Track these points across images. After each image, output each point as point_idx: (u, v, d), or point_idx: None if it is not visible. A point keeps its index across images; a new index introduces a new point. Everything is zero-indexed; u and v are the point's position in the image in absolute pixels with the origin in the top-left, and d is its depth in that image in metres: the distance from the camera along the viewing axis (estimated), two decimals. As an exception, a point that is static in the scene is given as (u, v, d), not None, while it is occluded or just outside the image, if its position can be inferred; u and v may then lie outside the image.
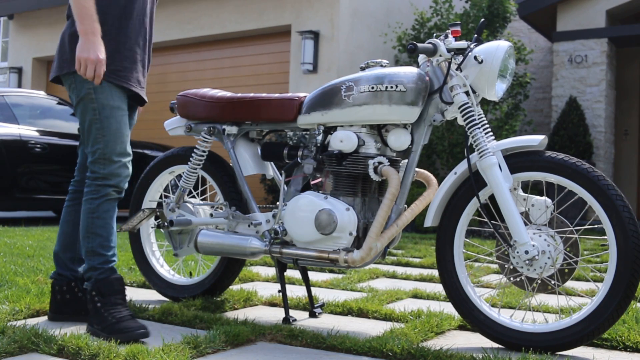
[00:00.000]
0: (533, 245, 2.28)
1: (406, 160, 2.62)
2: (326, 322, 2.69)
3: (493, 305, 2.60)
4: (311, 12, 9.05)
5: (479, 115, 2.44)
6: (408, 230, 7.43)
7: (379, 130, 2.60)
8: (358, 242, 2.53)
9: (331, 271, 4.07)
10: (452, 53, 2.44)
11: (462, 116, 2.42)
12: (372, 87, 2.49)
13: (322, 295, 3.26)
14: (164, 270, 3.16)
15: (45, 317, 2.63)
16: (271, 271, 4.09)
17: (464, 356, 2.12)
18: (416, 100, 2.45)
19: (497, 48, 2.41)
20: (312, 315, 2.80)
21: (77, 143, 8.04)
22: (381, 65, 2.60)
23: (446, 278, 2.45)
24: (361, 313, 2.84)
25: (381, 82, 2.48)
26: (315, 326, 2.58)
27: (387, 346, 2.18)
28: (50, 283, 3.20)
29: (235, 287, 3.34)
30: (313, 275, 3.89)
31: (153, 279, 3.14)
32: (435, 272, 4.05)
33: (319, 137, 2.65)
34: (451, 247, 2.45)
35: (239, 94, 2.89)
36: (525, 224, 2.33)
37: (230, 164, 2.98)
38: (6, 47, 13.71)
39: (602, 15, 9.38)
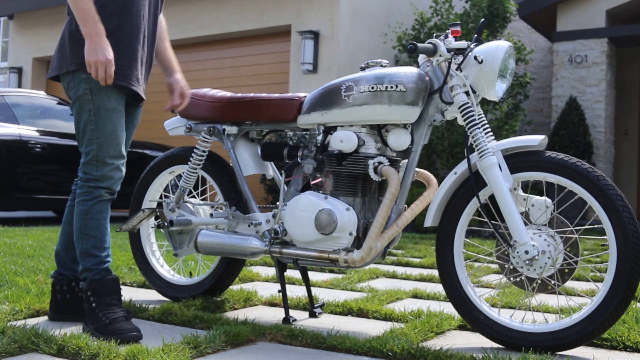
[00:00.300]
0: (533, 245, 2.28)
1: (406, 160, 2.62)
2: (326, 322, 2.69)
3: (493, 305, 2.60)
4: (311, 12, 9.05)
5: (479, 115, 2.44)
6: (408, 230, 7.42)
7: (379, 130, 2.60)
8: (358, 242, 2.53)
9: (331, 271, 4.07)
10: (452, 53, 2.44)
11: (462, 116, 2.42)
12: (372, 87, 2.49)
13: (322, 295, 3.26)
14: (164, 270, 3.16)
15: (45, 317, 2.63)
16: (271, 271, 4.09)
17: (464, 356, 2.12)
18: (416, 100, 2.45)
19: (497, 48, 2.41)
20: (312, 315, 2.80)
21: (76, 143, 8.05)
22: (381, 65, 2.60)
23: (446, 278, 2.45)
24: (361, 313, 2.84)
25: (381, 82, 2.48)
26: (315, 326, 2.58)
27: (387, 346, 2.18)
28: (50, 282, 3.21)
29: (235, 287, 3.34)
30: (313, 275, 3.89)
31: (153, 279, 3.14)
32: (435, 272, 4.05)
33: (319, 137, 2.65)
34: (451, 247, 2.45)
35: (239, 94, 2.89)
36: (525, 224, 2.33)
37: (230, 164, 2.98)
38: (6, 47, 13.71)
39: (602, 15, 9.38)
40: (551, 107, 9.69)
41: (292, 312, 2.83)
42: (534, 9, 9.61)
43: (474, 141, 2.39)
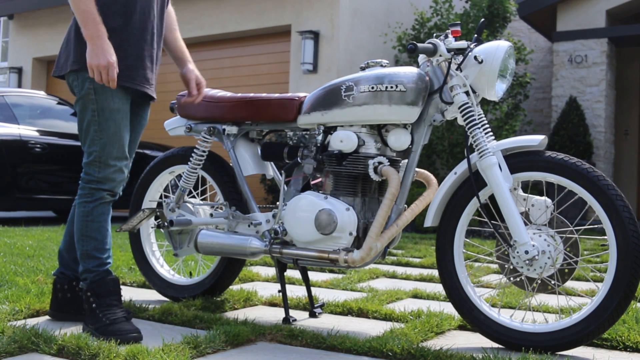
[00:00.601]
0: (533, 245, 2.28)
1: (406, 160, 2.62)
2: (326, 322, 2.69)
3: (493, 305, 2.60)
4: (311, 12, 9.05)
5: (479, 115, 2.44)
6: (408, 230, 7.42)
7: (379, 130, 2.60)
8: (358, 242, 2.53)
9: (331, 271, 4.07)
10: (452, 53, 2.44)
11: (462, 116, 2.42)
12: (372, 87, 2.49)
13: (322, 295, 3.26)
14: (164, 270, 3.16)
15: (46, 317, 2.63)
16: (271, 271, 4.09)
17: (464, 356, 2.12)
18: (416, 100, 2.45)
19: (497, 48, 2.41)
20: (312, 315, 2.80)
21: (77, 143, 8.06)
22: (381, 65, 2.60)
23: (446, 278, 2.45)
24: (361, 313, 2.84)
25: (381, 82, 2.48)
26: (315, 326, 2.58)
27: (387, 346, 2.18)
28: (51, 282, 3.21)
29: (235, 287, 3.34)
30: (313, 275, 3.89)
31: (153, 279, 3.14)
32: (435, 272, 4.05)
33: (319, 137, 2.65)
34: (451, 247, 2.45)
35: (239, 94, 2.89)
36: (525, 224, 2.33)
37: (230, 164, 2.98)
38: (6, 47, 13.71)
39: (602, 15, 9.38)
40: (551, 107, 9.69)
41: (292, 312, 2.83)
42: (534, 9, 9.61)
43: (474, 141, 2.39)
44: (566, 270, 2.33)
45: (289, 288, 3.43)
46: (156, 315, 2.65)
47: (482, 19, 2.58)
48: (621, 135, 10.44)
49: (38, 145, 6.98)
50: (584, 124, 8.97)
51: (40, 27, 12.00)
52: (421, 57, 2.55)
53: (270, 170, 3.00)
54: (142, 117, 2.65)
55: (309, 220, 2.54)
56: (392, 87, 2.46)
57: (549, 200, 2.33)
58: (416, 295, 3.32)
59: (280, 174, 2.77)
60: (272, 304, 3.04)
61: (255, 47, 9.82)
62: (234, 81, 9.75)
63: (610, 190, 2.22)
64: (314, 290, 3.39)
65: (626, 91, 10.47)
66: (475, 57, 2.39)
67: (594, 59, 9.29)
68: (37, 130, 7.13)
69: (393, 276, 4.02)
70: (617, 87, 10.15)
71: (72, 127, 7.53)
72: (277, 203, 2.72)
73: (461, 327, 2.64)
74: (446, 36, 2.48)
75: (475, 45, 2.46)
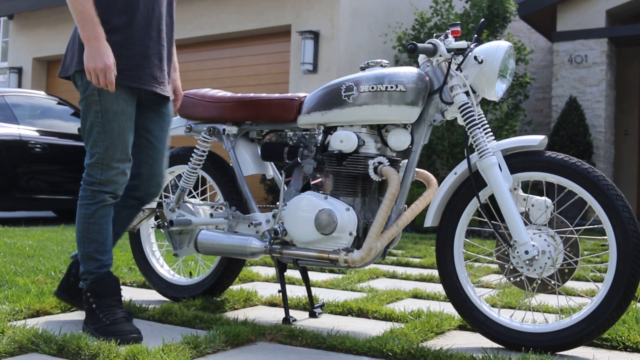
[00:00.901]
0: (533, 246, 2.28)
1: (406, 160, 2.62)
2: (326, 322, 2.69)
3: (493, 306, 2.60)
4: (311, 12, 9.05)
5: (479, 115, 2.44)
6: (408, 230, 7.42)
7: (379, 131, 2.60)
8: (358, 242, 2.53)
9: (331, 271, 4.07)
10: (452, 53, 2.44)
11: (462, 116, 2.42)
12: (372, 87, 2.49)
13: (322, 295, 3.26)
14: (164, 270, 3.16)
15: (46, 317, 2.63)
16: (271, 271, 4.09)
17: (464, 356, 2.12)
18: (416, 100, 2.45)
19: (497, 48, 2.41)
20: (312, 315, 2.80)
21: (77, 143, 8.04)
22: (381, 66, 2.60)
23: (446, 278, 2.45)
24: (361, 313, 2.84)
25: (381, 82, 2.48)
26: (315, 326, 2.58)
27: (387, 346, 2.18)
28: (52, 282, 3.21)
29: (235, 287, 3.34)
30: (313, 275, 3.89)
31: (153, 279, 3.14)
32: (435, 272, 4.05)
33: (319, 137, 2.65)
34: (451, 247, 2.45)
35: (239, 94, 2.89)
36: (525, 224, 2.33)
37: (230, 164, 2.98)
38: (6, 47, 13.71)
39: (602, 15, 9.38)
40: (551, 107, 9.69)
41: (292, 312, 2.83)
42: (534, 9, 9.61)
43: (474, 141, 2.39)
44: (566, 271, 2.33)
45: (289, 288, 3.43)
46: (156, 315, 2.65)
47: (482, 19, 2.58)
48: (621, 135, 10.44)
49: (38, 145, 6.98)
50: (584, 124, 8.97)
51: (40, 27, 12.00)
52: (421, 57, 2.55)
53: (270, 170, 3.00)
54: (165, 113, 2.59)
55: (309, 220, 2.54)
56: (392, 87, 2.46)
57: (549, 201, 2.33)
58: (416, 296, 3.32)
59: (280, 174, 2.77)
60: (272, 304, 3.04)
61: (255, 47, 9.82)
62: (234, 81, 9.75)
63: (610, 190, 2.22)
64: (314, 290, 3.39)
65: (626, 91, 10.47)
66: (475, 57, 2.39)
67: (594, 59, 9.29)
68: (37, 130, 7.13)
69: (393, 276, 4.02)
70: (617, 87, 10.15)
71: (72, 127, 7.53)
72: (277, 203, 2.72)
73: (461, 327, 2.64)
74: (446, 36, 2.48)
75: (475, 46, 2.46)
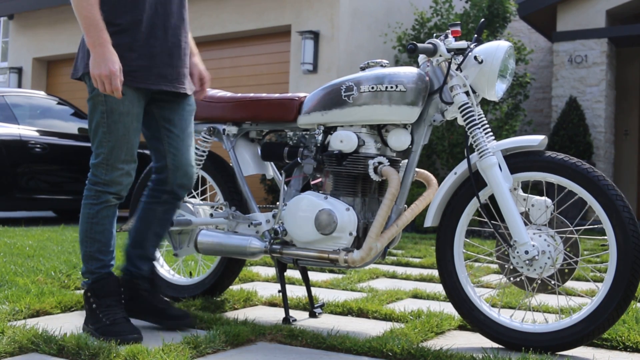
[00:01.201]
0: (533, 245, 2.28)
1: (406, 160, 2.62)
2: (326, 322, 2.69)
3: (493, 305, 2.60)
4: (311, 12, 9.05)
5: (479, 115, 2.44)
6: (408, 230, 7.42)
7: (379, 131, 2.60)
8: (358, 242, 2.53)
9: (331, 271, 4.07)
10: (452, 53, 2.44)
11: (462, 116, 2.42)
12: (372, 87, 2.49)
13: (322, 295, 3.26)
14: (164, 270, 3.16)
15: (46, 317, 2.62)
16: (271, 271, 4.09)
17: (464, 356, 2.12)
18: (416, 100, 2.45)
19: (497, 48, 2.41)
20: (312, 315, 2.80)
21: (77, 143, 8.03)
22: (381, 66, 2.60)
23: (446, 278, 2.45)
24: (361, 313, 2.84)
25: (381, 82, 2.48)
26: (315, 326, 2.58)
27: (387, 346, 2.18)
28: (52, 282, 3.20)
29: (235, 287, 3.34)
30: (313, 275, 3.89)
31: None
32: (435, 272, 4.05)
33: (319, 137, 2.65)
34: (451, 247, 2.45)
35: (239, 94, 2.89)
36: (525, 224, 2.33)
37: (230, 164, 2.98)
38: (6, 47, 13.71)
39: (602, 15, 9.38)
40: (551, 107, 9.69)
41: (292, 312, 2.83)
42: (534, 9, 9.61)
43: (474, 141, 2.39)
44: (566, 270, 2.33)
45: (289, 288, 3.43)
46: (156, 315, 2.65)
47: (482, 19, 2.58)
48: (621, 136, 10.44)
49: (38, 145, 6.98)
50: (584, 124, 8.96)
51: (40, 27, 12.00)
52: (421, 57, 2.55)
53: (270, 170, 3.00)
54: (184, 109, 2.54)
55: (309, 220, 2.54)
56: (392, 87, 2.46)
57: (549, 201, 2.33)
58: (416, 295, 3.32)
59: (280, 174, 2.77)
60: (272, 304, 3.04)
61: (255, 47, 9.82)
62: (234, 81, 9.75)
63: (610, 190, 2.22)
64: (314, 290, 3.39)
65: (626, 91, 10.47)
66: (475, 57, 2.39)
67: (594, 59, 9.29)
68: (37, 130, 7.13)
69: (393, 276, 4.02)
70: (617, 87, 10.15)
71: (72, 127, 7.53)
72: (277, 203, 2.72)
73: (461, 327, 2.64)
74: (446, 36, 2.48)
75: (475, 46, 2.46)
